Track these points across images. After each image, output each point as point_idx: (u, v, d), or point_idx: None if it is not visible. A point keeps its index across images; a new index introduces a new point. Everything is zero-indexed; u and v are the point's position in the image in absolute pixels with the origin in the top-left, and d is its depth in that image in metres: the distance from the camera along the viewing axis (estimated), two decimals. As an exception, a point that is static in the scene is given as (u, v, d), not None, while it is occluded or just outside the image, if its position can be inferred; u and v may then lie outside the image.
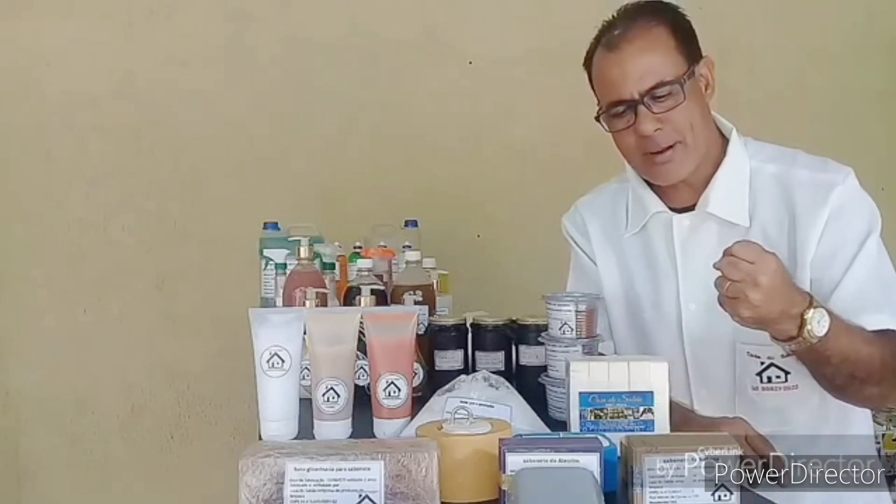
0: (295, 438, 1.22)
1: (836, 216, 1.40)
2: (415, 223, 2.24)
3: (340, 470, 0.98)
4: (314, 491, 0.97)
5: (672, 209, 1.52)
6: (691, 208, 1.49)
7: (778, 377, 1.43)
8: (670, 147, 1.41)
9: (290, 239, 1.86)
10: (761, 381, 1.44)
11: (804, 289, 1.30)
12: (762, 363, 1.44)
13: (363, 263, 1.74)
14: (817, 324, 1.23)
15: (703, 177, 1.47)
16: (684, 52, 1.43)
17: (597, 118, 1.47)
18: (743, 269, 1.19)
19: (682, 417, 1.28)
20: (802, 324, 1.23)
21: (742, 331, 1.38)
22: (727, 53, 2.75)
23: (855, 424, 1.47)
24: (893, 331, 1.35)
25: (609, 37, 1.44)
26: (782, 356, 1.40)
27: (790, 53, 2.93)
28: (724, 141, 1.49)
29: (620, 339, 1.60)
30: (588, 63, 1.49)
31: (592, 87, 1.50)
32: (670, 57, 1.41)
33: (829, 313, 1.25)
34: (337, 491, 0.97)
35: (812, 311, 1.23)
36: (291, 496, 0.97)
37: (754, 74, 2.88)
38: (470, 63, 2.86)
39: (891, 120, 2.96)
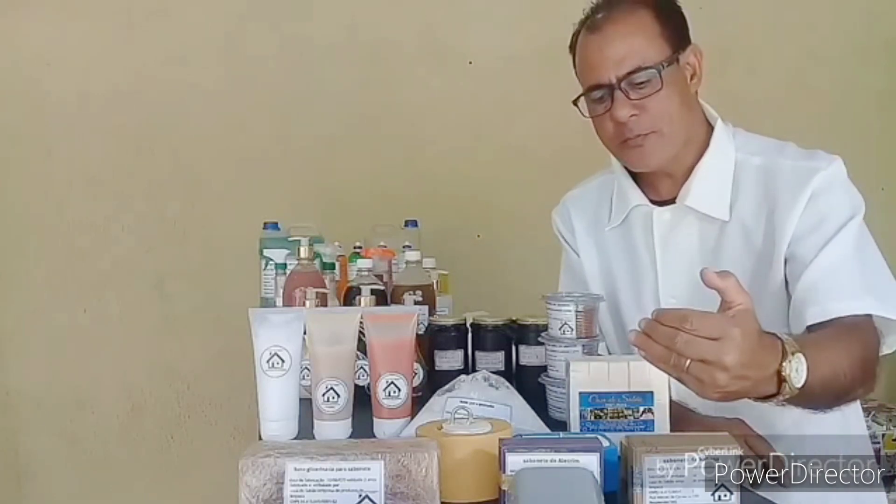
0: (295, 438, 1.21)
1: (816, 198, 1.35)
2: (415, 223, 2.24)
3: (340, 470, 0.98)
4: (314, 491, 0.97)
5: (655, 202, 1.49)
6: (673, 201, 1.46)
7: None
8: (645, 135, 1.38)
9: (290, 239, 1.86)
10: None
11: (771, 330, 1.08)
12: None
13: (363, 263, 1.74)
14: (795, 373, 1.06)
15: (685, 167, 1.44)
16: (669, 38, 1.38)
17: (574, 102, 1.44)
18: (704, 348, 0.97)
19: (681, 418, 1.27)
20: (780, 381, 1.06)
21: None
22: (727, 53, 2.76)
23: (846, 426, 1.44)
24: (869, 318, 1.28)
25: (593, 20, 1.41)
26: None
27: (790, 53, 2.93)
28: (712, 130, 1.45)
29: (604, 333, 1.57)
30: (573, 47, 1.47)
31: (576, 72, 1.47)
32: (653, 42, 1.37)
33: (802, 350, 1.07)
34: (337, 491, 0.97)
35: (786, 362, 1.06)
36: (291, 496, 0.97)
37: (754, 74, 2.88)
38: (470, 63, 2.86)
39: (890, 120, 2.96)
